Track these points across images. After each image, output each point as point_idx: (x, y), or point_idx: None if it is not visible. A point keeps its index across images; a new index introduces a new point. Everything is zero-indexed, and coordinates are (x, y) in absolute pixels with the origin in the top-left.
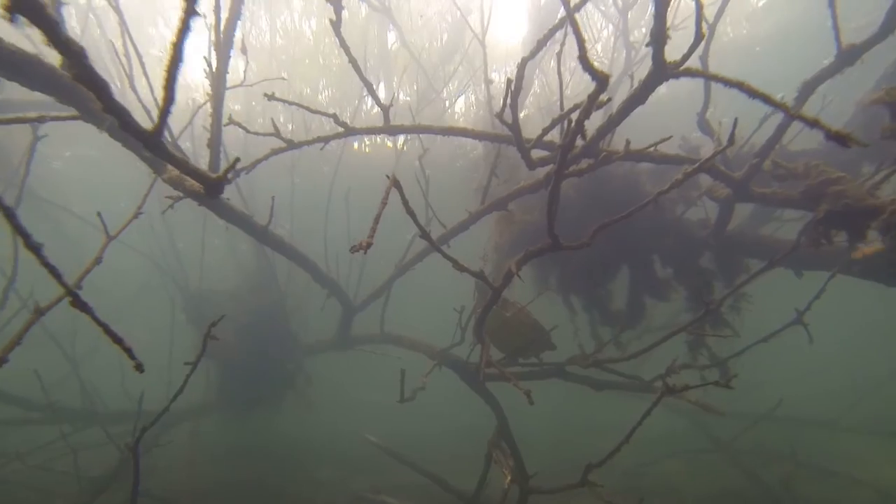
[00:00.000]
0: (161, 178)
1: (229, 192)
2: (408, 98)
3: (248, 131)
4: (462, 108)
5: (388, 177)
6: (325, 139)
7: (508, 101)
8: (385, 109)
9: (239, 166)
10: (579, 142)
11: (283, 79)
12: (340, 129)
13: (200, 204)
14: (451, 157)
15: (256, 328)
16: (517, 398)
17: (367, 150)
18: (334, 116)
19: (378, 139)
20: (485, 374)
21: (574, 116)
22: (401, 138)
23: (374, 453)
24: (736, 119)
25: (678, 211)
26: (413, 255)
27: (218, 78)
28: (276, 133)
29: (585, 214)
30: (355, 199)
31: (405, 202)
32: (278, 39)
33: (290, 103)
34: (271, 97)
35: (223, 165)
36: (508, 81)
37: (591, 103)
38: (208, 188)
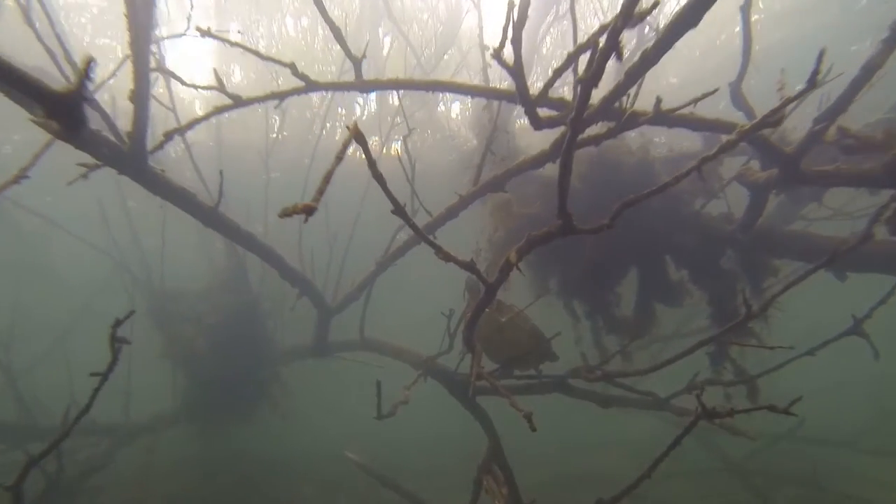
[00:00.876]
0: (31, 119)
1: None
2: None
3: (183, 83)
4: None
5: (348, 128)
6: (281, 95)
7: (510, 33)
8: (356, 62)
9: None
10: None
11: (240, 32)
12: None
13: (121, 172)
14: (443, 152)
15: (228, 331)
16: (509, 408)
17: (361, 157)
18: (292, 66)
19: (373, 146)
20: (475, 388)
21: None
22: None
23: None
24: (822, 52)
25: (696, 204)
26: (395, 248)
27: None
28: (220, 87)
29: (591, 209)
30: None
31: (371, 162)
32: (272, 41)
33: (228, 41)
34: (205, 33)
35: (154, 130)
36: (510, 4)
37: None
38: (54, 108)
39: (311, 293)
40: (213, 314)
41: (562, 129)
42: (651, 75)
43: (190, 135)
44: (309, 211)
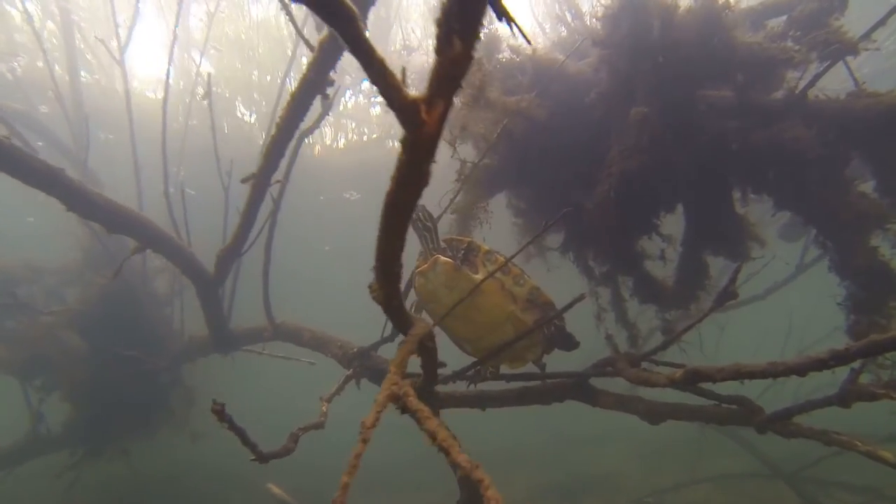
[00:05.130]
0: None
1: None
2: None
3: None
4: None
5: None
6: None
7: None
8: None
9: None
10: None
11: None
12: None
13: None
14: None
15: (108, 323)
16: None
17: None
18: None
19: None
20: (435, 398)
21: None
22: None
23: (318, 486)
24: None
25: (794, 81)
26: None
27: None
28: None
29: (624, 98)
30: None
31: None
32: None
33: None
34: None
35: None
36: None
37: None
38: None
39: (168, 250)
40: (87, 300)
41: None
42: None
43: None
44: None
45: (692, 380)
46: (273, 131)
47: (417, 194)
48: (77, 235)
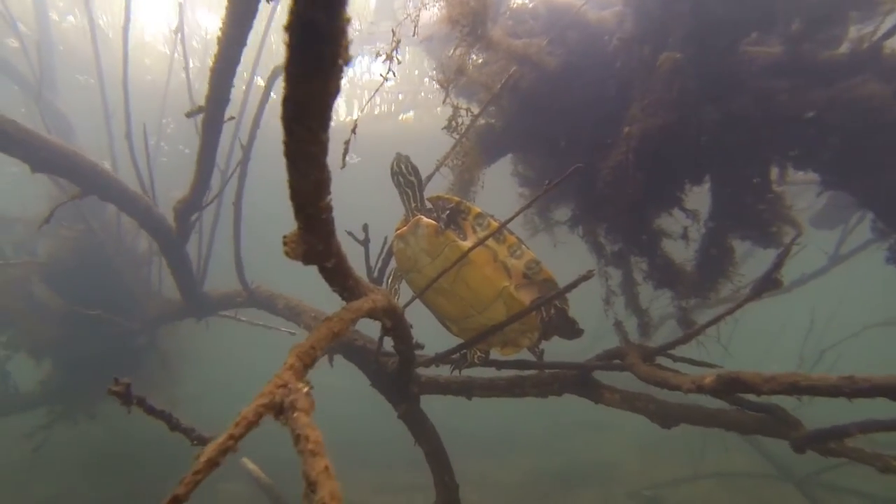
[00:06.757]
0: None
1: None
2: None
3: None
4: None
5: None
6: None
7: None
8: None
9: None
10: None
11: None
12: None
13: None
14: None
15: (79, 280)
16: None
17: None
18: None
19: None
20: (414, 382)
21: None
22: None
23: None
24: None
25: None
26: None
27: None
28: None
29: (650, 46)
30: None
31: None
32: None
33: None
34: None
35: None
36: None
37: None
38: None
39: (117, 197)
40: (59, 256)
41: None
42: None
43: None
44: None
45: (729, 388)
46: (216, 48)
47: (326, 83)
48: (46, 184)
